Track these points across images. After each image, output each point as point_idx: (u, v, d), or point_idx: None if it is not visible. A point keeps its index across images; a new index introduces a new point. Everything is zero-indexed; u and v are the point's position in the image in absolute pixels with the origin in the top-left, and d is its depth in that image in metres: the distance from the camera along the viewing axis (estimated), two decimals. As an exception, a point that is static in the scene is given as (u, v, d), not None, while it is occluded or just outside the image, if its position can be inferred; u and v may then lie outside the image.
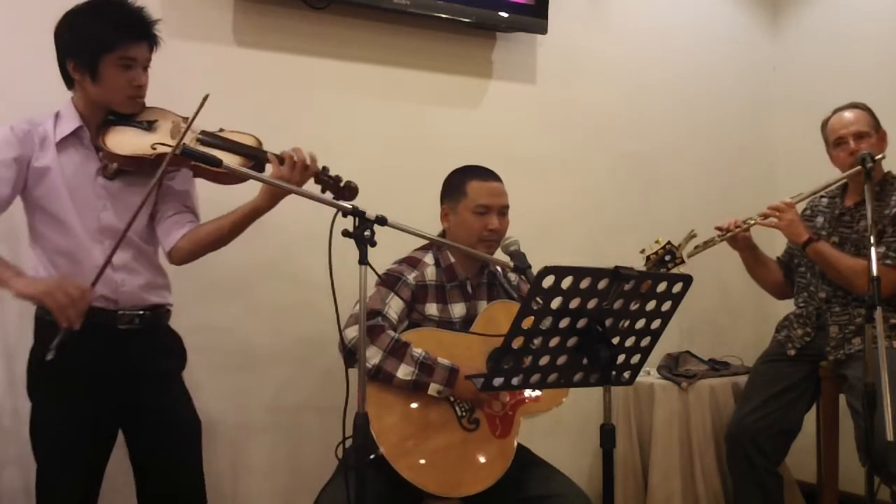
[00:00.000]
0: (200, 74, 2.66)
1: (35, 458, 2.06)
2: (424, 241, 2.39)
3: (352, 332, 2.20)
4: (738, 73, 3.98)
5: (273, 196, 2.08)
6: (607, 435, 1.82)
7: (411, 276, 2.36)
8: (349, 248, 1.83)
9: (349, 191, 2.23)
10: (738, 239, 2.87)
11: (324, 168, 2.18)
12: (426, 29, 3.14)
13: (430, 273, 2.41)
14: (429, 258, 2.43)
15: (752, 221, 2.83)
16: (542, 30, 3.27)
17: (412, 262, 2.42)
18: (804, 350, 2.90)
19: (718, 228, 2.86)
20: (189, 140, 2.07)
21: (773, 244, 3.16)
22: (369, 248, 1.80)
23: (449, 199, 2.47)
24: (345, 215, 1.85)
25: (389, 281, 2.32)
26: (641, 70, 3.68)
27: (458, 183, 2.46)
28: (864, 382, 2.28)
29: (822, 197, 2.99)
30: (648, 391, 3.24)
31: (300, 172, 2.09)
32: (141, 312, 2.10)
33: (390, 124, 3.09)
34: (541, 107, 3.43)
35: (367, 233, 1.81)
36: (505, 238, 2.36)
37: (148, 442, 2.14)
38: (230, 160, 2.07)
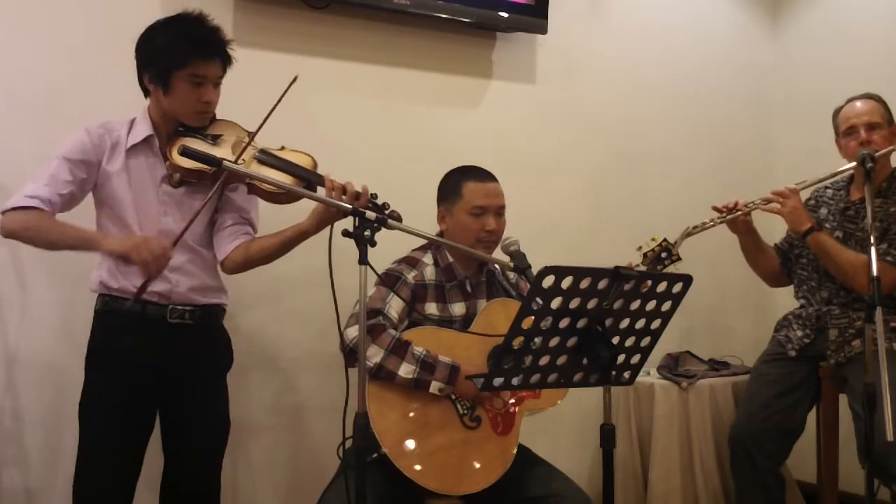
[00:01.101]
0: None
1: (80, 425, 2.15)
2: (424, 241, 2.39)
3: (352, 332, 2.20)
4: (737, 73, 3.97)
5: (319, 221, 2.14)
6: (607, 435, 1.82)
7: (410, 276, 2.37)
8: (349, 248, 1.83)
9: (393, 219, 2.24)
10: (738, 223, 2.83)
11: (373, 195, 2.19)
12: (426, 29, 3.14)
13: (430, 273, 2.41)
14: (427, 258, 2.43)
15: (754, 205, 2.79)
16: (542, 30, 3.27)
17: (411, 261, 2.42)
18: (804, 351, 2.89)
19: (716, 209, 2.82)
20: (248, 157, 2.18)
21: (773, 232, 3.14)
22: (369, 247, 1.81)
23: (445, 201, 2.47)
24: (345, 215, 1.85)
25: (389, 280, 2.32)
26: (641, 70, 3.68)
27: (453, 185, 2.46)
28: (865, 382, 2.27)
29: (826, 188, 2.96)
30: (648, 391, 3.24)
31: (351, 201, 2.11)
32: (191, 308, 2.20)
33: (390, 124, 3.09)
34: (541, 107, 3.43)
35: (366, 233, 1.81)
36: (505, 238, 2.36)
37: (184, 437, 2.23)
38: (284, 180, 2.16)
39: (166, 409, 2.23)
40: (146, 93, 2.20)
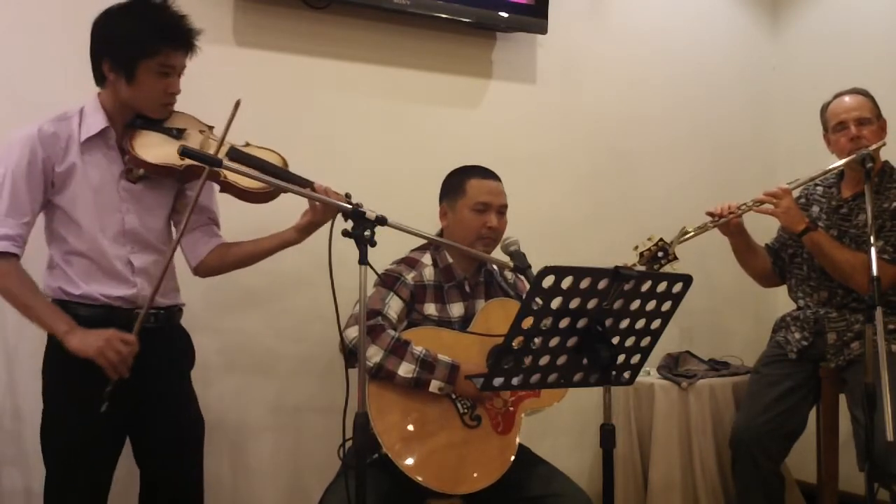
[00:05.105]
0: (200, 74, 2.66)
1: (46, 461, 2.02)
2: (423, 241, 2.39)
3: (352, 333, 2.20)
4: (738, 73, 3.97)
5: (304, 232, 2.14)
6: (607, 435, 1.83)
7: (410, 277, 2.37)
8: (349, 248, 1.83)
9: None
10: (731, 225, 2.81)
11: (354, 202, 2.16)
12: (426, 29, 3.13)
13: (429, 273, 2.41)
14: (426, 258, 2.43)
15: (747, 207, 2.78)
16: (542, 30, 3.27)
17: (410, 262, 2.42)
18: (804, 353, 2.88)
19: (710, 214, 2.81)
20: (220, 154, 2.06)
21: (770, 232, 3.12)
22: (369, 248, 1.81)
23: (448, 198, 2.48)
24: (345, 215, 1.85)
25: (388, 281, 2.32)
26: (641, 70, 3.68)
27: (457, 181, 2.46)
28: (865, 383, 2.27)
29: (816, 185, 2.93)
30: (648, 391, 3.24)
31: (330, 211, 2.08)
32: (156, 311, 2.08)
33: (390, 124, 3.09)
34: (540, 107, 3.43)
35: (366, 233, 1.81)
36: (505, 238, 2.36)
37: (157, 440, 2.12)
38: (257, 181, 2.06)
39: (139, 419, 2.08)
40: (101, 80, 2.03)
